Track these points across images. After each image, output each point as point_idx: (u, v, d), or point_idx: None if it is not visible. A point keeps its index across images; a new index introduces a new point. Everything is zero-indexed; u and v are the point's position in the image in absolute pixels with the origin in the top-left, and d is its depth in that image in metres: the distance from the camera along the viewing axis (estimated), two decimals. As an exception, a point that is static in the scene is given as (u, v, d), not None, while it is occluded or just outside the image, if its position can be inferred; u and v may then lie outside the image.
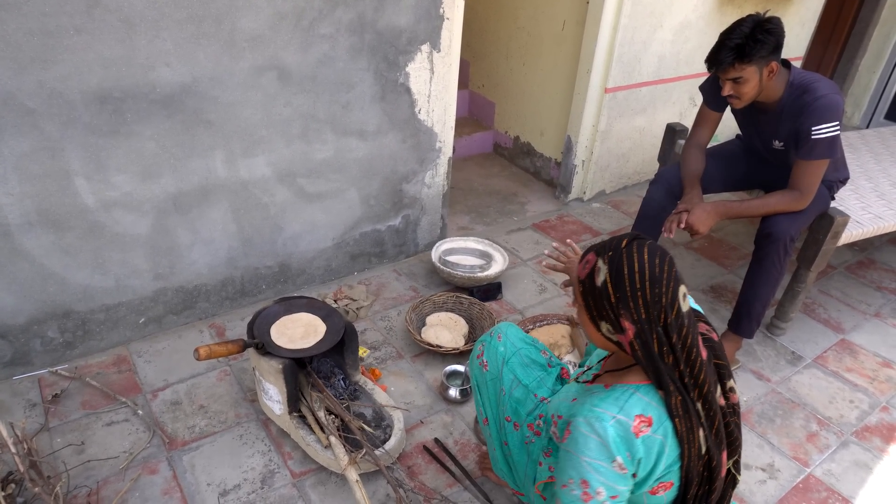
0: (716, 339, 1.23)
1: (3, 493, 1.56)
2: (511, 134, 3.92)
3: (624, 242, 1.11)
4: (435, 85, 2.53)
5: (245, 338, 1.85)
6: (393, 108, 2.46)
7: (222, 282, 2.38)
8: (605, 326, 1.15)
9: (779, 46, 1.97)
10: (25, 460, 1.59)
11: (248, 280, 2.45)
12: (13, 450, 1.58)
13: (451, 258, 2.76)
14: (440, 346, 2.23)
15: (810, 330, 2.62)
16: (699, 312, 1.32)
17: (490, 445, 1.63)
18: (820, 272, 2.46)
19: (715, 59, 2.02)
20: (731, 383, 1.24)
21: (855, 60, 4.83)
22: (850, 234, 2.38)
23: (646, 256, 1.09)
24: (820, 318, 2.70)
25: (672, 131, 2.89)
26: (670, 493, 1.19)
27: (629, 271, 1.08)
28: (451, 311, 2.48)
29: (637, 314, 1.09)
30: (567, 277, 1.80)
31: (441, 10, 2.38)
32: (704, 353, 1.14)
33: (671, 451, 1.13)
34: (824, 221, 2.27)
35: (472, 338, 2.37)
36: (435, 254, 2.70)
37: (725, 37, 1.99)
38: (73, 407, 1.98)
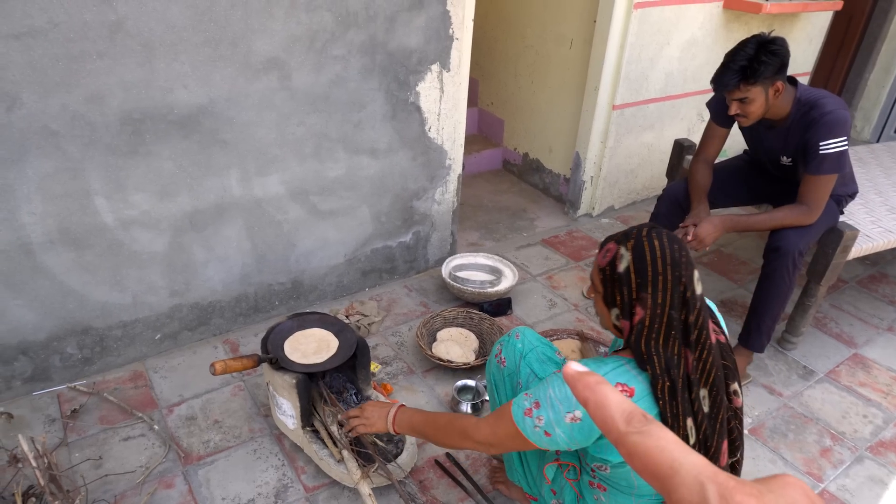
0: (724, 340, 1.27)
1: (23, 506, 1.60)
2: (520, 151, 3.97)
3: (644, 231, 1.20)
4: (445, 104, 2.58)
5: (259, 353, 1.88)
6: (403, 127, 2.51)
7: (236, 298, 2.43)
8: (614, 312, 1.23)
9: (784, 66, 2.00)
10: (46, 474, 1.63)
11: (261, 296, 2.49)
12: (34, 464, 1.62)
13: (462, 274, 2.79)
14: (451, 361, 2.25)
15: (822, 344, 2.62)
16: (711, 311, 1.36)
17: None
18: (831, 286, 2.46)
19: (720, 81, 2.06)
20: (734, 386, 1.27)
21: (864, 75, 4.85)
22: (859, 249, 2.39)
23: (665, 242, 1.17)
24: (832, 332, 2.71)
25: (680, 147, 2.92)
26: None
27: (651, 256, 1.16)
28: (462, 326, 2.51)
29: (654, 298, 1.16)
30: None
31: (451, 31, 2.44)
32: (714, 338, 1.20)
33: None
34: (833, 236, 2.28)
35: (482, 353, 2.40)
36: (445, 270, 2.74)
37: (730, 58, 2.03)
38: (90, 422, 2.02)
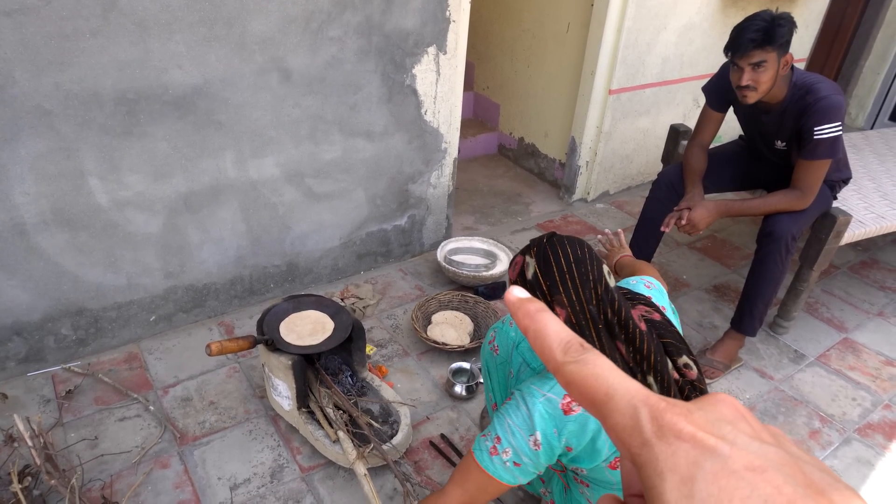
0: (658, 318, 1.27)
1: (20, 486, 1.61)
2: (515, 135, 3.96)
3: (545, 238, 1.23)
4: (441, 87, 2.57)
5: (255, 334, 1.89)
6: (399, 110, 2.50)
7: (231, 280, 2.43)
8: None
9: (790, 39, 2.00)
10: (42, 454, 1.64)
11: (256, 279, 2.49)
12: (30, 444, 1.63)
13: (457, 257, 2.80)
14: (446, 344, 2.27)
15: (813, 329, 2.65)
16: (642, 295, 1.37)
17: None
18: (823, 272, 2.49)
19: (737, 45, 1.99)
20: (684, 359, 1.26)
21: (859, 62, 4.86)
22: (852, 234, 2.41)
23: (566, 244, 1.20)
24: (823, 317, 2.74)
25: (675, 132, 2.92)
26: None
27: (555, 258, 1.19)
28: (457, 309, 2.52)
29: (568, 296, 1.18)
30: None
31: (447, 13, 2.42)
32: (643, 326, 1.21)
33: None
34: (826, 221, 2.30)
35: (477, 336, 2.41)
36: (440, 253, 2.74)
37: (745, 24, 1.99)
38: (86, 403, 2.03)
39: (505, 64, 3.86)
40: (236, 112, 2.14)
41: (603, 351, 1.17)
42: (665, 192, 2.54)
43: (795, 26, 2.01)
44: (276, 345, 1.82)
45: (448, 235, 3.00)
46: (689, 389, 1.26)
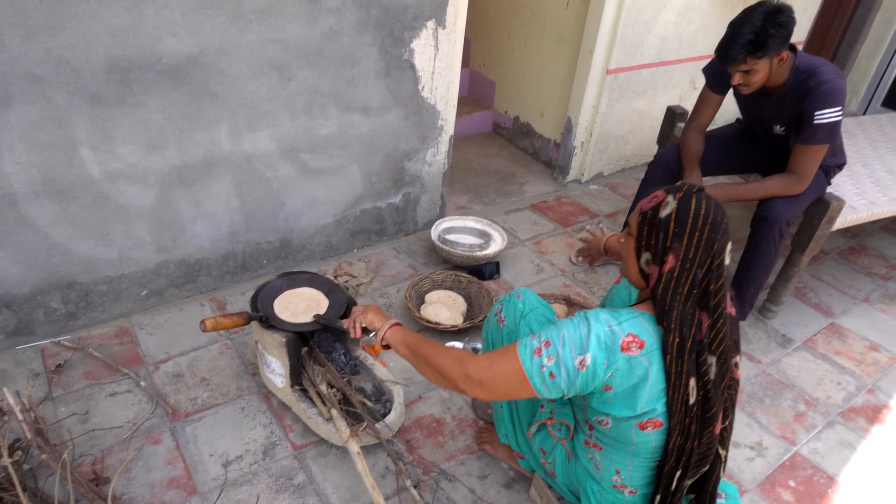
0: (734, 313, 1.30)
1: (10, 460, 1.59)
2: (511, 114, 3.93)
3: (695, 189, 1.23)
4: (439, 62, 2.53)
5: (248, 311, 1.88)
6: (397, 85, 2.47)
7: (224, 256, 2.40)
8: (645, 257, 1.25)
9: (789, 36, 1.97)
10: (32, 428, 1.62)
11: (249, 255, 2.47)
12: (20, 417, 1.61)
13: (451, 237, 2.79)
14: (439, 324, 2.27)
15: (801, 314, 2.68)
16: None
17: (497, 404, 1.70)
18: (812, 257, 2.51)
19: (727, 56, 2.00)
20: (737, 358, 1.31)
21: (855, 46, 4.85)
22: (844, 220, 2.43)
23: (711, 204, 1.21)
24: (811, 302, 2.77)
25: (672, 114, 2.91)
26: (659, 433, 1.28)
27: (695, 211, 1.20)
28: (450, 289, 2.52)
29: (686, 251, 1.20)
30: (584, 247, 2.05)
31: (448, -13, 2.38)
32: (732, 310, 1.26)
33: (656, 383, 1.22)
34: (820, 206, 2.31)
35: (470, 316, 2.41)
36: (434, 232, 2.73)
37: (736, 29, 1.97)
38: (76, 377, 2.01)
39: (502, 40, 3.81)
40: (232, 83, 2.10)
41: (681, 313, 1.20)
42: (661, 174, 2.55)
43: (794, 23, 1.97)
44: (270, 322, 1.81)
45: (442, 214, 2.98)
46: (728, 386, 1.31)
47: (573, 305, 2.43)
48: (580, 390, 1.25)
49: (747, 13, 1.98)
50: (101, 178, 2.00)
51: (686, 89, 3.67)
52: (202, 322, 1.66)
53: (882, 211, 2.56)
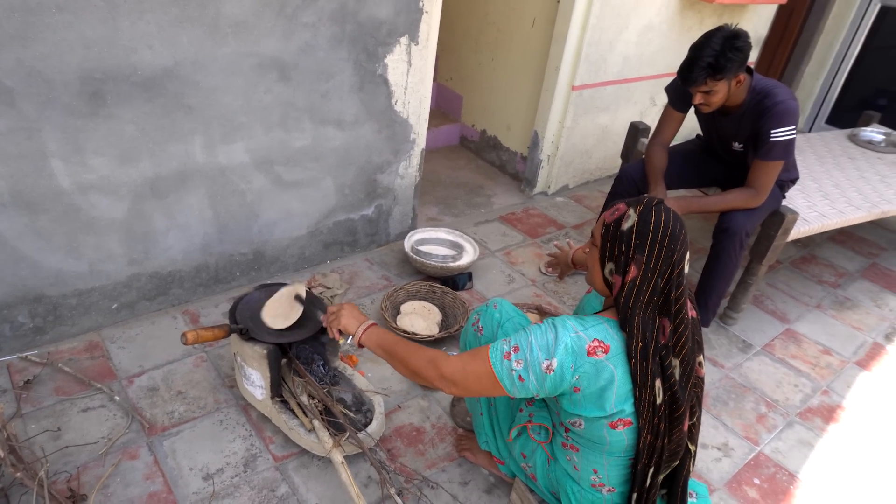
0: (694, 315, 1.37)
1: (-18, 478, 1.55)
2: (478, 127, 4.00)
3: (654, 202, 1.29)
4: (412, 77, 2.58)
5: (226, 323, 1.86)
6: (370, 99, 2.50)
7: (196, 268, 2.38)
8: (609, 267, 1.31)
9: (746, 60, 2.09)
10: (5, 446, 1.58)
11: (222, 267, 2.45)
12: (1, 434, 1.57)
13: (424, 248, 2.82)
14: (416, 334, 2.29)
15: (759, 320, 2.81)
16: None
17: (476, 412, 1.73)
18: (768, 266, 2.63)
19: (688, 77, 2.12)
20: (700, 357, 1.38)
21: (801, 67, 5.11)
22: (798, 231, 2.56)
23: (670, 217, 1.28)
24: (767, 309, 2.90)
25: (635, 129, 3.02)
26: (630, 430, 1.34)
27: (654, 224, 1.26)
28: (425, 299, 2.55)
29: (647, 262, 1.26)
30: (553, 260, 2.13)
31: (421, 4, 2.43)
32: (692, 314, 1.32)
33: (622, 385, 1.29)
34: (776, 218, 2.44)
35: (445, 325, 2.45)
36: (407, 243, 2.76)
37: (696, 53, 2.08)
38: (45, 393, 1.96)
39: (469, 56, 3.89)
40: (207, 96, 2.09)
41: (643, 319, 1.26)
42: (627, 188, 2.64)
43: (750, 48, 2.10)
44: (250, 334, 1.81)
45: (414, 226, 3.01)
46: (694, 385, 1.37)
47: (545, 314, 2.49)
48: (550, 392, 1.31)
49: (707, 38, 2.09)
50: (71, 189, 1.97)
51: (646, 106, 3.81)
52: (183, 335, 1.64)
53: (831, 222, 2.70)
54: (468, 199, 3.50)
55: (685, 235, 1.29)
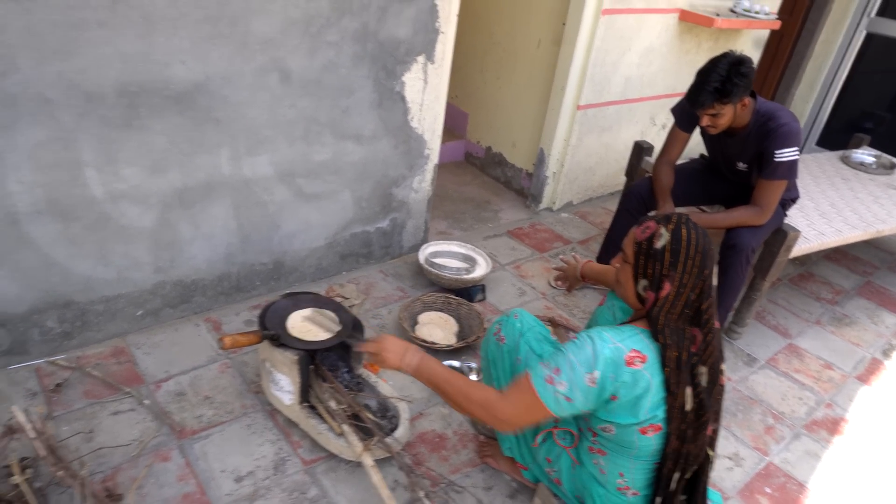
0: (717, 326, 1.44)
1: (22, 477, 1.57)
2: (483, 144, 4.09)
3: (683, 219, 1.36)
4: (427, 94, 2.65)
5: (260, 330, 1.90)
6: (388, 115, 2.57)
7: (219, 277, 2.42)
8: (642, 283, 1.37)
9: (750, 84, 2.19)
10: (45, 445, 1.61)
11: (243, 276, 2.49)
12: (33, 434, 1.60)
13: (437, 260, 2.88)
14: (434, 343, 2.34)
15: (762, 335, 2.88)
16: None
17: None
18: (770, 282, 2.71)
19: (696, 101, 2.21)
20: (722, 366, 1.45)
21: (791, 90, 5.27)
22: (798, 249, 2.65)
23: (700, 233, 1.34)
24: (770, 324, 2.98)
25: (639, 148, 3.12)
26: (658, 436, 1.40)
27: (687, 241, 1.32)
28: (441, 310, 2.61)
29: (681, 278, 1.32)
30: (561, 274, 2.19)
31: (437, 24, 2.52)
32: (717, 324, 1.38)
33: (657, 393, 1.34)
34: (779, 236, 2.53)
35: (462, 336, 2.50)
36: (422, 256, 2.82)
37: (704, 78, 2.18)
38: (75, 397, 1.98)
39: (475, 74, 3.98)
40: (234, 110, 2.15)
41: (676, 331, 1.33)
42: (635, 204, 2.72)
43: (754, 72, 2.20)
44: (281, 340, 1.85)
45: (426, 239, 3.07)
46: (718, 392, 1.44)
47: (558, 326, 2.55)
48: (594, 405, 1.36)
49: (713, 63, 2.19)
50: (103, 198, 2.01)
51: (647, 125, 3.92)
52: (221, 339, 1.69)
53: (829, 241, 2.80)
54: (476, 214, 3.57)
55: (713, 250, 1.36)
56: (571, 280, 2.14)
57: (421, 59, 2.56)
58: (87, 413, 1.93)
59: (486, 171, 4.13)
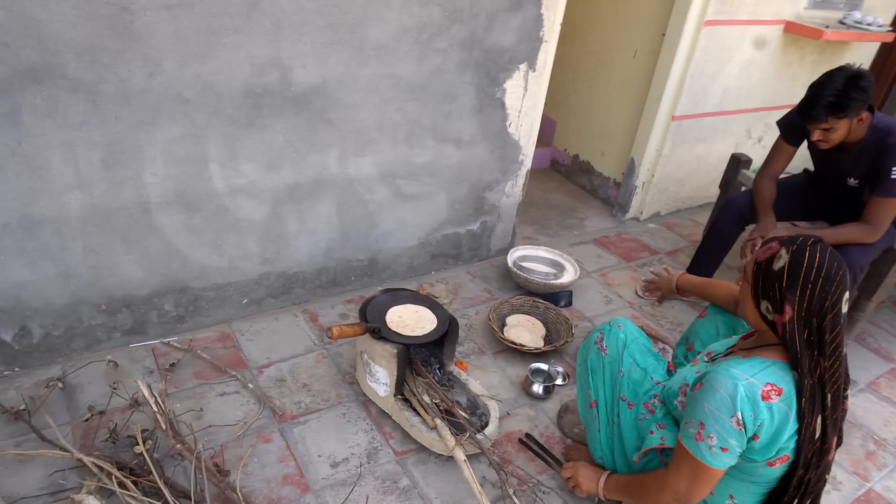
0: (844, 352, 1.39)
1: (144, 448, 1.70)
2: (570, 152, 4.08)
3: (810, 241, 1.29)
4: (527, 101, 2.69)
5: (363, 322, 1.98)
6: (488, 121, 2.62)
7: (318, 271, 2.53)
8: (764, 305, 1.33)
9: (868, 99, 2.10)
10: (166, 420, 1.73)
11: (340, 271, 2.60)
12: (155, 408, 1.73)
13: (525, 265, 2.90)
14: (522, 345, 2.37)
15: (863, 357, 2.75)
16: None
17: (592, 427, 1.77)
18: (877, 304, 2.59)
19: (808, 115, 2.14)
20: (847, 392, 1.39)
21: (899, 106, 4.98)
22: (908, 270, 2.52)
23: (826, 257, 1.26)
24: (871, 346, 2.84)
25: (737, 161, 3.04)
26: (783, 466, 1.36)
27: (807, 265, 1.26)
28: (528, 313, 2.63)
29: (800, 302, 1.26)
30: (652, 284, 2.18)
31: (541, 33, 2.54)
32: (844, 351, 1.33)
33: (792, 424, 1.29)
34: (889, 256, 2.41)
35: (548, 340, 2.51)
36: (510, 259, 2.85)
37: (817, 91, 2.10)
38: (186, 377, 2.13)
39: (566, 83, 3.98)
40: (346, 112, 2.25)
41: (797, 355, 1.28)
42: (733, 217, 2.66)
43: (873, 86, 2.10)
44: (381, 333, 1.92)
45: (513, 243, 3.11)
46: (841, 417, 1.39)
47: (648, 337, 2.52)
48: (747, 445, 1.32)
49: (828, 77, 2.11)
50: (224, 192, 2.15)
51: (742, 138, 3.80)
52: (329, 329, 1.78)
53: (943, 263, 2.64)
54: (561, 221, 3.57)
55: (843, 276, 1.27)
56: (665, 291, 2.11)
57: (523, 66, 2.59)
58: (196, 392, 2.07)
59: (571, 179, 4.12)
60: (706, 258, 2.82)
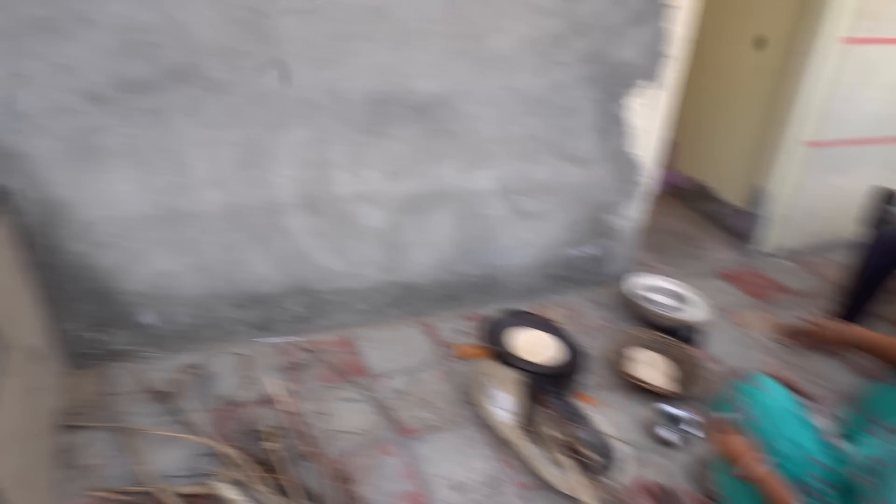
0: None
1: (275, 445, 1.48)
2: (690, 174, 3.62)
3: None
4: (650, 120, 2.34)
5: (489, 346, 1.68)
6: (608, 139, 2.29)
7: (435, 283, 2.28)
8: None
9: None
10: (299, 420, 1.52)
11: (456, 285, 2.33)
12: (290, 409, 1.52)
13: (646, 294, 2.49)
14: (651, 385, 1.95)
15: None
16: None
17: (731, 487, 1.33)
18: None
19: None
20: None
21: None
22: None
23: None
24: None
25: (887, 195, 2.49)
26: None
27: None
28: (652, 348, 2.18)
29: None
30: (797, 331, 1.66)
31: (666, 49, 2.20)
32: None
33: None
34: None
35: (675, 381, 2.07)
36: (629, 287, 2.45)
37: None
38: (309, 377, 1.92)
39: (690, 105, 3.54)
40: (466, 124, 2.03)
41: None
42: (882, 258, 2.16)
43: None
44: (509, 359, 1.61)
45: (631, 270, 2.71)
46: None
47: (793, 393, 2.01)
48: None
49: None
50: (347, 197, 1.98)
51: (887, 169, 3.18)
52: (456, 348, 1.53)
53: None
54: (680, 249, 3.11)
55: None
56: (831, 341, 1.57)
57: (646, 83, 2.26)
58: (318, 394, 1.84)
59: (689, 204, 3.63)
60: (854, 306, 2.27)
